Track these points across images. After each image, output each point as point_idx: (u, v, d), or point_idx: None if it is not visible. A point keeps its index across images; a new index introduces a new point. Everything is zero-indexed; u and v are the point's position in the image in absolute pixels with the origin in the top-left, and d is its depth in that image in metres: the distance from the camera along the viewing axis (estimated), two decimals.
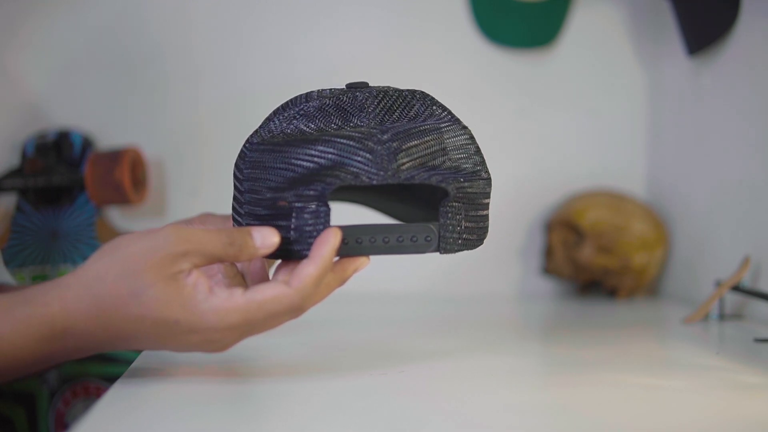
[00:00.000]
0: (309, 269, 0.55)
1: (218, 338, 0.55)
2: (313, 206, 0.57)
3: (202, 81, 1.17)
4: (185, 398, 0.55)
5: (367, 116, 0.59)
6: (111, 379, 1.02)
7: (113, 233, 1.10)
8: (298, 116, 0.60)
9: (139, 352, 0.68)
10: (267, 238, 0.56)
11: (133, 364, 0.63)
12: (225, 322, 0.54)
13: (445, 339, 0.82)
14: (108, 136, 1.14)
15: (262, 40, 1.17)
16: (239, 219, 0.60)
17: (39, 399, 1.05)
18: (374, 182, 0.56)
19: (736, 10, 0.93)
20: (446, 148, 0.59)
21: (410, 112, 0.61)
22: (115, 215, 1.14)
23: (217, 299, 0.54)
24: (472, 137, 0.62)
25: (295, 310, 0.56)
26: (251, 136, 0.61)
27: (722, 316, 0.91)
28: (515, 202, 1.21)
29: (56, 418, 1.05)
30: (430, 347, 0.76)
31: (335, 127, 0.58)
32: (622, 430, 0.50)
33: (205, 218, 0.72)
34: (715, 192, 1.02)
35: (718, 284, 0.92)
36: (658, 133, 1.20)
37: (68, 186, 1.07)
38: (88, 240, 1.08)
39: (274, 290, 0.55)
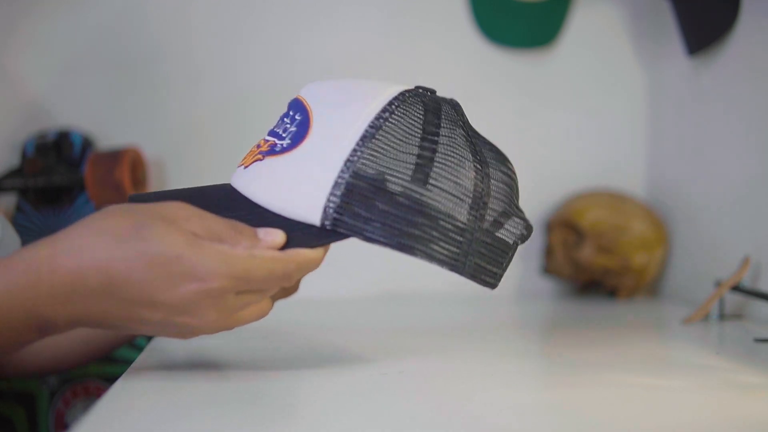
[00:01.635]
0: None
1: (218, 288, 0.52)
2: None
3: (202, 81, 1.17)
4: (185, 398, 0.55)
5: None
6: (111, 379, 1.02)
7: None
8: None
9: (135, 351, 0.68)
10: (269, 234, 0.56)
11: (133, 364, 0.63)
12: (228, 267, 0.52)
13: (445, 339, 0.82)
14: (108, 136, 1.14)
15: (262, 40, 1.17)
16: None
17: (39, 399, 1.05)
18: None
19: (736, 10, 0.93)
20: None
21: None
22: None
23: (222, 246, 0.53)
24: None
25: (288, 276, 0.55)
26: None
27: (722, 316, 0.92)
28: None
29: (56, 418, 1.05)
30: (430, 347, 0.76)
31: None
32: (622, 430, 0.50)
33: None
34: (715, 192, 1.02)
35: (718, 284, 0.92)
36: (658, 133, 1.20)
37: (68, 186, 1.07)
38: None
39: (273, 252, 0.54)
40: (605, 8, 1.21)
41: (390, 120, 0.59)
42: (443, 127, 0.61)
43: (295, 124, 0.60)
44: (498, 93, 1.21)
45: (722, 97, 1.00)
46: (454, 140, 0.61)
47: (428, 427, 0.50)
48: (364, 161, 0.57)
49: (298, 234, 0.57)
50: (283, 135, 0.61)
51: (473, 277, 0.61)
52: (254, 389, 0.57)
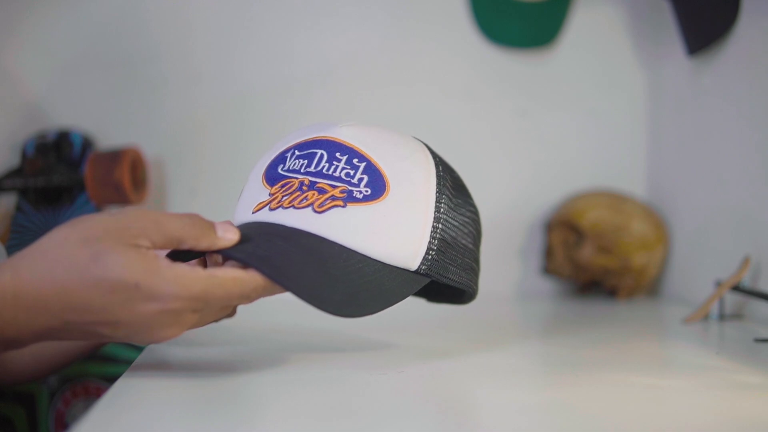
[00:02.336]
0: None
1: (177, 308, 0.53)
2: None
3: (201, 81, 1.17)
4: (185, 398, 0.55)
5: None
6: (111, 379, 1.02)
7: None
8: None
9: (134, 350, 0.67)
10: (228, 231, 0.57)
11: (133, 364, 0.63)
12: (187, 290, 0.53)
13: (445, 339, 0.82)
14: (108, 136, 1.14)
15: (262, 41, 1.17)
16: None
17: (39, 399, 1.05)
18: None
19: (736, 10, 0.93)
20: None
21: None
22: None
23: (180, 268, 0.54)
24: None
25: (245, 296, 0.56)
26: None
27: (722, 316, 0.92)
28: (515, 202, 1.21)
29: (56, 418, 1.05)
30: (430, 347, 0.76)
31: None
32: (622, 430, 0.50)
33: None
34: (715, 192, 1.02)
35: (718, 284, 0.92)
36: (658, 133, 1.20)
37: (68, 186, 1.07)
38: None
39: (234, 272, 0.55)
40: (605, 8, 1.21)
41: (444, 177, 0.68)
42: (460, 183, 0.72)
43: (363, 172, 0.63)
44: (498, 93, 1.21)
45: (722, 97, 1.00)
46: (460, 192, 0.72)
47: (428, 427, 0.50)
48: (445, 221, 0.67)
49: (397, 279, 0.64)
50: (354, 182, 0.62)
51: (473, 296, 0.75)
52: (253, 389, 0.57)
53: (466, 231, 0.69)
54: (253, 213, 0.63)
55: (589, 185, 1.19)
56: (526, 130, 1.22)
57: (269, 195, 0.63)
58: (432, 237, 0.65)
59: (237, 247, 0.57)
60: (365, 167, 0.63)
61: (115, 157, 1.04)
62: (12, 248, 1.06)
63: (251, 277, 0.56)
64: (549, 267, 1.15)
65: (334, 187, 0.62)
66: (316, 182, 0.62)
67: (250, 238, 0.58)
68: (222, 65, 1.17)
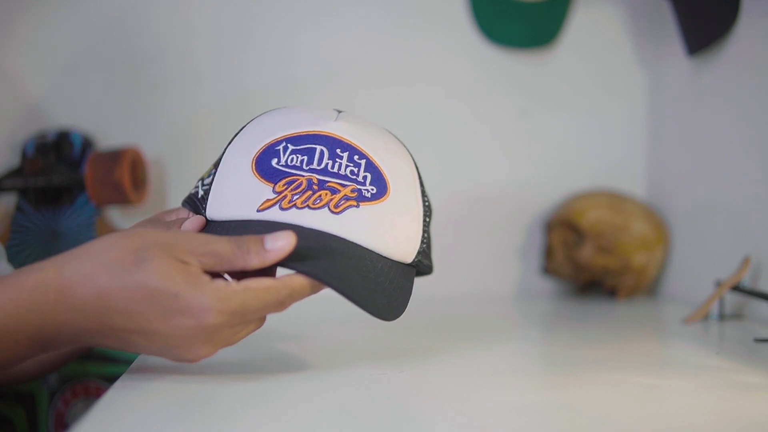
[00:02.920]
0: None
1: (213, 324, 0.53)
2: None
3: (201, 81, 1.17)
4: (185, 398, 0.55)
5: None
6: (111, 379, 1.02)
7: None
8: None
9: (132, 353, 0.67)
10: (277, 240, 0.56)
11: (133, 364, 0.64)
12: (224, 304, 0.53)
13: (445, 339, 0.82)
14: (108, 136, 1.14)
15: (262, 41, 1.17)
16: None
17: (39, 399, 1.05)
18: None
19: (736, 10, 0.93)
20: None
21: None
22: (115, 215, 1.14)
23: (218, 283, 0.54)
24: None
25: (281, 303, 0.56)
26: None
27: (722, 316, 0.92)
28: (515, 202, 1.21)
29: (56, 418, 1.05)
30: (430, 347, 0.76)
31: None
32: (622, 430, 0.50)
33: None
34: (715, 192, 1.02)
35: (718, 284, 0.92)
36: (658, 133, 1.20)
37: (68, 186, 1.07)
38: (88, 240, 1.08)
39: (266, 282, 0.55)
40: (605, 8, 1.21)
41: (417, 168, 0.70)
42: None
43: (365, 169, 0.64)
44: (498, 93, 1.21)
45: (722, 97, 1.00)
46: None
47: (428, 427, 0.50)
48: (426, 212, 0.69)
49: (403, 274, 0.64)
50: (360, 180, 0.63)
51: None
52: (254, 389, 0.57)
53: (430, 217, 0.71)
54: (258, 211, 0.62)
55: (589, 185, 1.19)
56: (526, 130, 1.22)
57: (275, 193, 0.62)
58: (424, 230, 0.68)
59: (295, 260, 0.57)
60: (366, 165, 0.64)
61: (115, 157, 1.04)
62: (12, 248, 1.06)
63: (283, 285, 0.56)
64: (549, 267, 1.15)
65: (345, 186, 0.63)
66: (325, 181, 0.62)
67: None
68: (222, 65, 1.17)
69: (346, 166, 0.63)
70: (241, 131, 0.68)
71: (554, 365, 0.72)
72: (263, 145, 0.65)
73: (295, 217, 0.61)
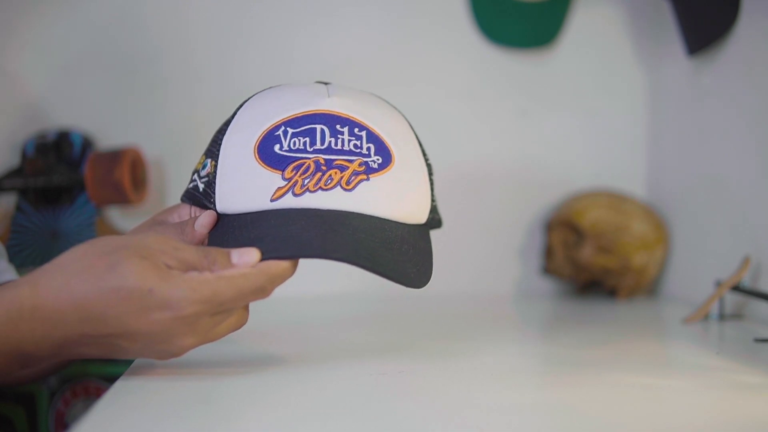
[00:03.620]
0: None
1: (190, 313, 0.54)
2: None
3: (201, 81, 1.17)
4: (185, 398, 0.55)
5: None
6: (111, 379, 1.02)
7: (113, 233, 1.10)
8: None
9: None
10: (243, 255, 0.57)
11: (133, 364, 0.63)
12: (197, 293, 0.54)
13: (445, 339, 0.82)
14: (108, 136, 1.14)
15: (262, 40, 1.17)
16: None
17: (39, 399, 1.05)
18: None
19: (736, 10, 0.93)
20: None
21: None
22: (115, 215, 1.14)
23: (189, 275, 0.55)
24: None
25: (260, 289, 0.57)
26: None
27: (722, 316, 0.91)
28: (515, 202, 1.21)
29: (56, 418, 1.05)
30: (430, 347, 0.76)
31: None
32: (622, 430, 0.50)
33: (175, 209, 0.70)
34: (715, 192, 1.02)
35: (718, 284, 0.92)
36: (658, 133, 1.20)
37: (68, 186, 1.07)
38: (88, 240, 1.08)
39: (240, 269, 0.56)
40: (605, 8, 1.21)
41: (411, 125, 0.70)
42: None
43: (367, 141, 0.64)
44: (498, 93, 1.21)
45: (722, 98, 1.00)
46: None
47: (428, 427, 0.50)
48: (430, 168, 0.70)
49: (421, 236, 0.66)
50: (365, 152, 0.64)
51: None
52: (253, 389, 0.57)
53: (432, 173, 0.71)
54: (272, 201, 0.61)
55: (589, 185, 1.19)
56: (526, 130, 1.21)
57: (285, 180, 0.62)
58: (431, 188, 0.69)
59: (323, 250, 0.57)
60: (367, 136, 0.64)
61: (115, 157, 1.04)
62: (12, 248, 1.06)
63: (259, 271, 0.56)
64: (549, 267, 1.15)
65: (351, 161, 0.63)
66: (332, 160, 0.62)
67: (305, 231, 0.59)
68: (222, 65, 1.17)
69: (349, 140, 0.63)
70: (233, 120, 0.68)
71: (554, 365, 0.72)
72: (262, 132, 0.64)
73: (310, 201, 0.61)
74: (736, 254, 0.93)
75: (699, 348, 0.79)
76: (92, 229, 1.08)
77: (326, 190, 0.61)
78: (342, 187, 0.62)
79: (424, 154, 0.70)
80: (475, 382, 0.62)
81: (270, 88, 0.71)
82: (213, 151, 0.68)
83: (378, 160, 0.64)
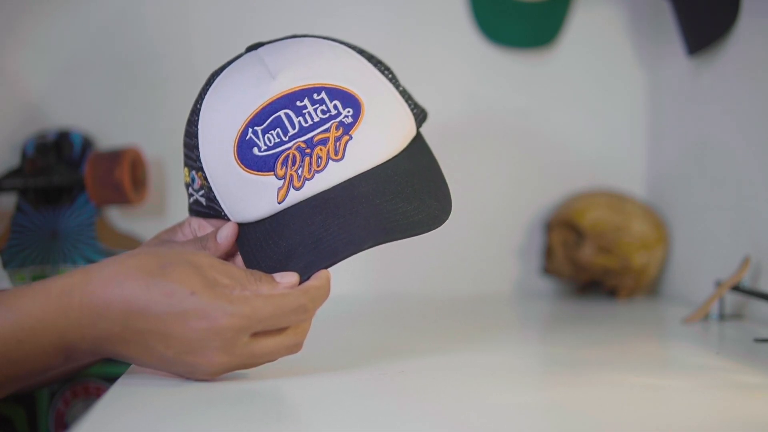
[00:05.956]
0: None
1: (225, 326, 0.54)
2: None
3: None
4: (185, 398, 0.55)
5: None
6: (111, 379, 1.02)
7: (113, 233, 1.10)
8: None
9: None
10: (285, 277, 0.59)
11: (133, 365, 0.63)
12: (236, 307, 0.55)
13: (445, 339, 0.82)
14: (108, 136, 1.14)
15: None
16: None
17: (39, 399, 1.05)
18: None
19: (736, 10, 0.93)
20: None
21: None
22: (115, 215, 1.14)
23: (234, 289, 0.56)
24: None
25: (302, 308, 0.57)
26: None
27: (722, 316, 0.92)
28: (515, 202, 1.21)
29: (56, 418, 1.05)
30: (430, 347, 0.76)
31: None
32: (622, 430, 0.50)
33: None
34: (715, 192, 1.02)
35: (718, 284, 0.92)
36: (658, 133, 1.20)
37: (68, 186, 1.07)
38: (88, 240, 1.08)
39: (281, 288, 0.58)
40: (605, 8, 1.21)
41: (354, 46, 0.69)
42: None
43: (331, 99, 0.63)
44: (498, 93, 1.21)
45: (722, 97, 1.00)
46: None
47: (428, 427, 0.50)
48: (394, 75, 0.70)
49: (421, 151, 0.67)
50: (337, 111, 0.63)
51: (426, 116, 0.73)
52: (254, 389, 0.57)
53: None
54: (280, 203, 0.62)
55: (589, 185, 1.19)
56: (526, 130, 1.21)
57: (280, 179, 0.62)
58: (403, 96, 0.68)
59: (352, 243, 0.59)
60: (327, 94, 0.63)
61: (115, 157, 1.04)
62: (12, 248, 1.06)
63: (301, 290, 0.58)
64: (549, 267, 1.15)
65: (328, 130, 0.62)
66: (311, 138, 0.62)
67: (327, 230, 0.60)
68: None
69: (315, 109, 0.63)
70: (198, 133, 0.66)
71: (554, 365, 0.72)
72: (233, 142, 0.63)
73: (313, 187, 0.62)
74: (736, 254, 0.93)
75: (699, 348, 0.79)
76: (92, 229, 1.08)
77: (320, 171, 0.62)
78: (333, 159, 0.62)
79: (376, 65, 0.68)
80: (475, 382, 0.62)
81: (210, 86, 0.68)
82: (192, 164, 0.67)
83: (349, 112, 0.63)
